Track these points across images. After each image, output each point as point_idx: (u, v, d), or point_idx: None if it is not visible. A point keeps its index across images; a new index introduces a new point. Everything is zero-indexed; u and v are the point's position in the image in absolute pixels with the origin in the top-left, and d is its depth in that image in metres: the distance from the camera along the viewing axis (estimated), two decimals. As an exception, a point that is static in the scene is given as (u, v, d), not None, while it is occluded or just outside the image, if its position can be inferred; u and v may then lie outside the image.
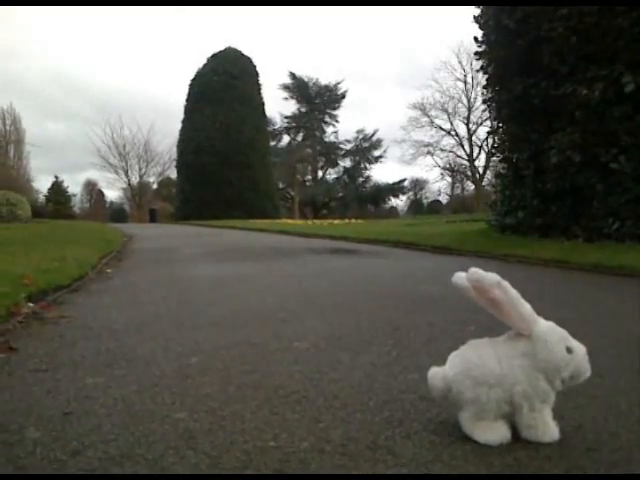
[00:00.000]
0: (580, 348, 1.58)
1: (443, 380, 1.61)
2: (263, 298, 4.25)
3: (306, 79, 45.90)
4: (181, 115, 34.58)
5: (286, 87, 46.03)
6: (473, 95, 42.92)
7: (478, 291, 1.59)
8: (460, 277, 1.64)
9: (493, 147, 12.23)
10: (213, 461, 1.46)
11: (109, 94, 64.79)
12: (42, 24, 68.79)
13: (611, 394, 1.95)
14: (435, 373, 1.65)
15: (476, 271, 1.59)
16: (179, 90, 78.40)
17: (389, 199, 47.51)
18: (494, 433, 1.54)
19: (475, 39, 10.30)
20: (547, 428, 1.55)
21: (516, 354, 1.56)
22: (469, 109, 43.78)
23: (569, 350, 1.55)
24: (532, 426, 1.55)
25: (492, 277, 1.57)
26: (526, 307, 1.58)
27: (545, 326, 1.59)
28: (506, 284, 1.57)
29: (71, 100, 66.78)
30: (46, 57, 67.43)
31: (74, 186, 57.42)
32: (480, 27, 10.17)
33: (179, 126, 34.64)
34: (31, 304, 3.71)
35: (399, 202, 50.82)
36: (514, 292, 1.58)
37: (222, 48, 34.74)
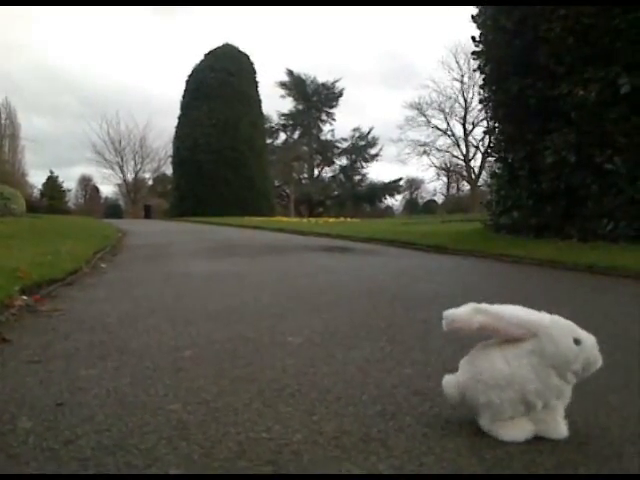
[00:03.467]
0: (588, 338, 1.54)
1: (456, 387, 1.60)
2: (258, 294, 4.25)
3: (304, 77, 45.81)
4: (175, 113, 34.53)
5: (283, 84, 45.92)
6: (470, 95, 43.05)
7: (463, 330, 1.58)
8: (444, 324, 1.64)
9: (489, 147, 12.24)
10: (206, 452, 1.46)
11: (97, 89, 64.74)
12: (37, 21, 68.59)
13: (603, 391, 1.96)
14: (448, 381, 1.63)
15: (447, 313, 1.59)
16: (174, 87, 78.47)
17: (385, 198, 47.49)
18: (518, 430, 1.53)
19: (473, 39, 10.31)
20: (557, 425, 1.54)
21: (524, 352, 1.54)
22: (465, 109, 43.91)
23: (577, 341, 1.52)
24: (542, 420, 1.53)
25: (465, 309, 1.57)
26: (516, 313, 1.56)
27: (549, 321, 1.56)
28: (484, 306, 1.57)
29: (58, 95, 66.60)
30: (32, 51, 67.11)
31: (64, 181, 57.00)
32: (478, 27, 10.19)
33: (174, 123, 34.60)
34: (25, 297, 3.70)
35: (394, 201, 50.85)
36: (495, 308, 1.57)
37: (219, 44, 34.66)
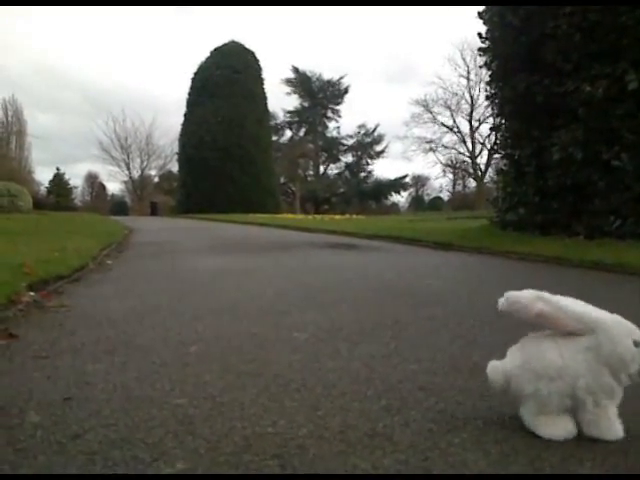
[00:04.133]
0: None
1: (502, 374, 1.56)
2: (263, 290, 4.26)
3: (309, 74, 45.85)
4: (179, 112, 34.62)
5: (289, 81, 45.98)
6: (476, 92, 42.89)
7: (521, 313, 1.55)
8: (503, 304, 1.60)
9: (495, 144, 12.21)
10: (212, 446, 1.47)
11: (101, 87, 64.85)
12: (39, 20, 68.62)
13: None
14: (494, 367, 1.59)
15: (510, 295, 1.56)
16: (178, 86, 78.48)
17: (390, 195, 47.47)
18: (558, 428, 1.50)
19: (479, 35, 10.28)
20: (611, 424, 1.50)
21: (579, 348, 1.50)
22: (472, 106, 43.75)
23: (637, 344, 1.48)
24: (594, 422, 1.50)
25: (528, 294, 1.54)
26: (577, 307, 1.53)
27: (610, 319, 1.52)
28: (545, 295, 1.53)
29: (61, 93, 66.64)
30: (35, 49, 67.10)
31: (70, 178, 56.84)
32: (484, 23, 10.16)
33: (178, 122, 34.68)
34: (32, 293, 3.72)
35: (400, 198, 50.81)
36: (556, 298, 1.54)
37: (225, 42, 34.67)
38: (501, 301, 1.61)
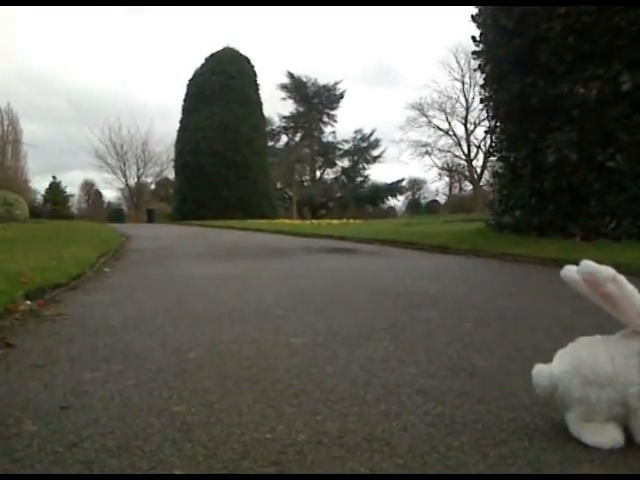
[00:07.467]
0: None
1: (549, 378, 1.52)
2: (261, 296, 4.25)
3: (304, 79, 45.83)
4: (175, 118, 34.64)
5: (284, 87, 45.98)
6: (471, 95, 43.03)
7: (590, 285, 1.50)
8: (570, 270, 1.56)
9: (491, 146, 12.24)
10: (210, 453, 1.46)
11: (91, 94, 64.27)
12: (24, 23, 68.14)
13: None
14: (540, 371, 1.55)
15: (589, 264, 1.50)
16: (174, 92, 78.49)
17: (387, 199, 47.46)
18: (604, 436, 1.46)
19: (473, 38, 10.30)
20: None
21: (632, 353, 1.46)
22: (467, 109, 43.85)
23: None
24: None
25: (606, 270, 1.48)
26: None
27: None
28: (622, 278, 1.48)
29: (48, 100, 65.85)
30: (16, 55, 66.54)
31: (67, 186, 56.04)
32: (478, 26, 10.17)
33: (173, 128, 34.71)
34: (28, 302, 3.71)
35: (397, 202, 50.86)
36: (630, 287, 1.48)
37: (220, 48, 34.77)
38: (571, 268, 1.56)
